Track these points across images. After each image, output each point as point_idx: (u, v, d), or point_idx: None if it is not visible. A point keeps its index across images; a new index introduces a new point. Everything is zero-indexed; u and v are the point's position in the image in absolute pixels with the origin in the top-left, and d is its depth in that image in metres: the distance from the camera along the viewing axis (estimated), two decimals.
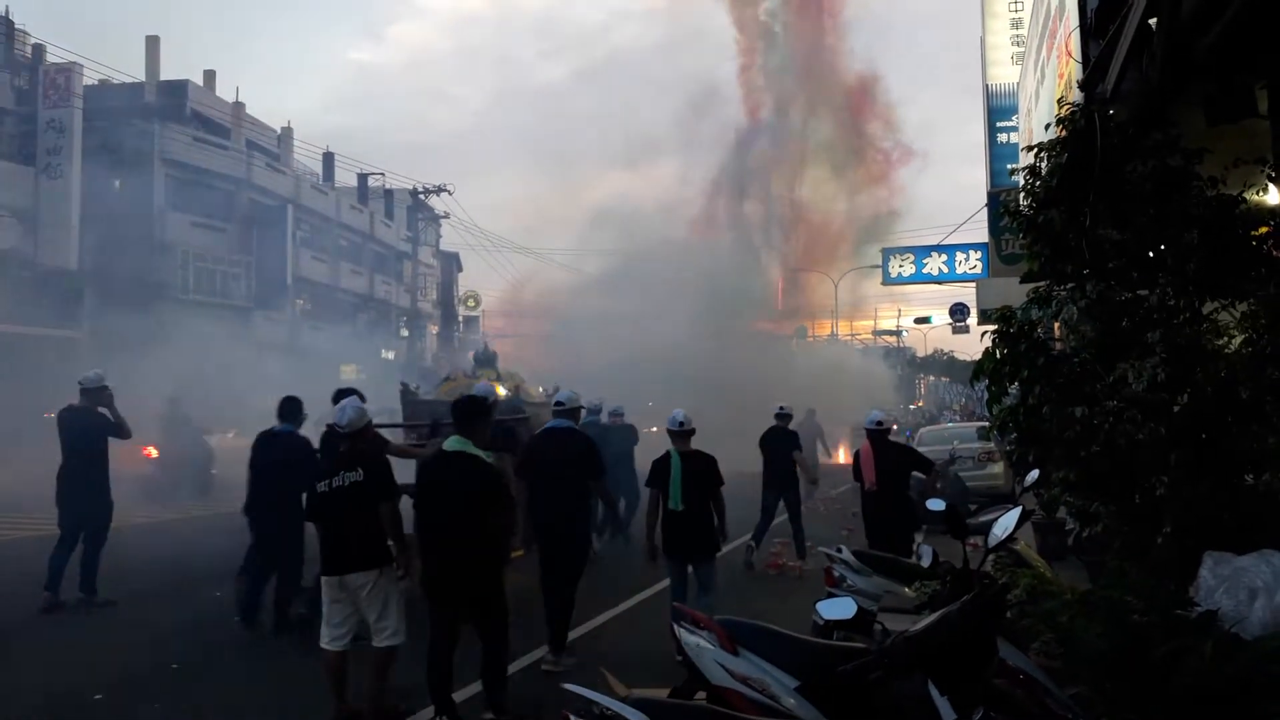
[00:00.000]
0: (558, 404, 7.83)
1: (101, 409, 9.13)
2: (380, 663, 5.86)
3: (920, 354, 66.89)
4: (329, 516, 5.96)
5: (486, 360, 12.73)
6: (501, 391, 11.07)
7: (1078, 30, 8.39)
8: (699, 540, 7.33)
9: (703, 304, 31.32)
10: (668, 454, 7.50)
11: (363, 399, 6.57)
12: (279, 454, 8.20)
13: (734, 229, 35.90)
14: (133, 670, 7.03)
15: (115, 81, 34.77)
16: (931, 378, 70.87)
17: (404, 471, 6.90)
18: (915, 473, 8.88)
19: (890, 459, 8.72)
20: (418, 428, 10.15)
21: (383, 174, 46.25)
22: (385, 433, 9.14)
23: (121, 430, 9.23)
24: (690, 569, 7.40)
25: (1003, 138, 21.59)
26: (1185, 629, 4.35)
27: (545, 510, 7.23)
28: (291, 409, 8.51)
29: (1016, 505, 4.21)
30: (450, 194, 43.83)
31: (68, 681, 6.63)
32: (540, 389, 12.98)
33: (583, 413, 9.03)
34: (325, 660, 5.90)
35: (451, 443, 5.98)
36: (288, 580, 8.21)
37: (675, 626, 4.36)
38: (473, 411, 6.10)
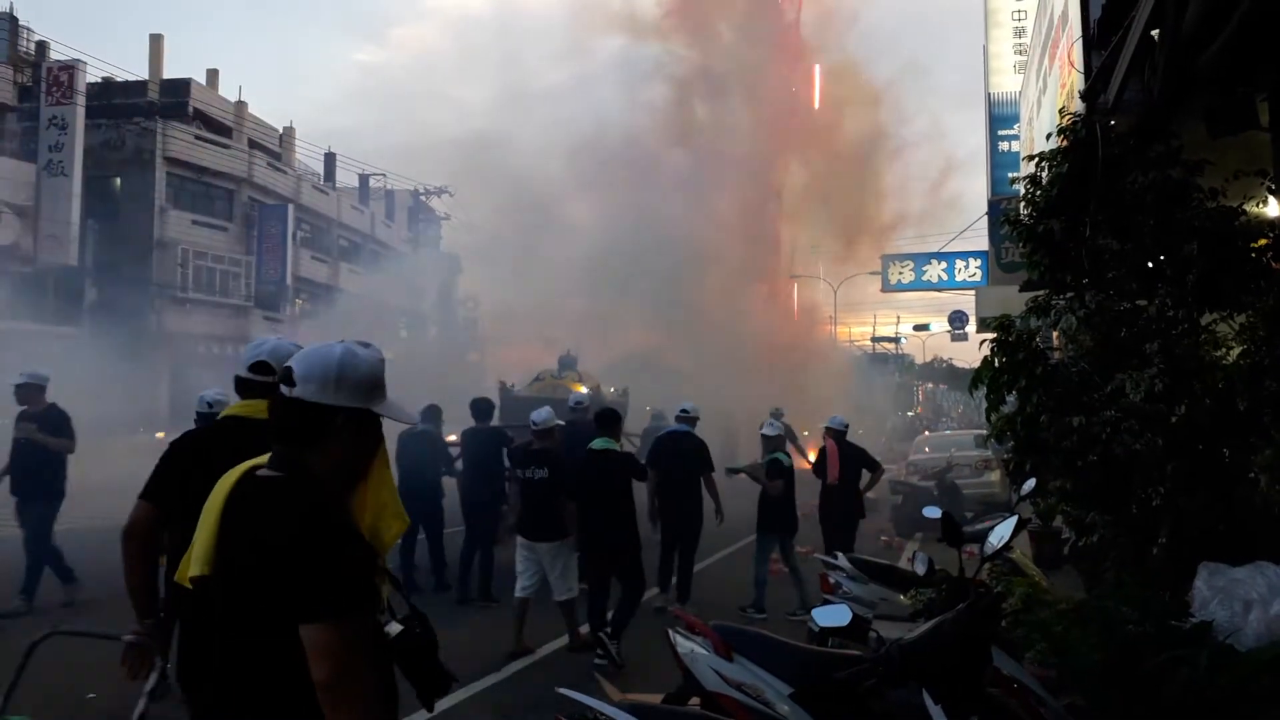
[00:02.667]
0: (683, 411, 10.24)
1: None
2: (567, 610, 7.70)
3: (919, 361, 66.94)
4: (524, 498, 7.95)
5: (569, 364, 14.24)
6: (583, 390, 12.15)
7: (1080, 40, 8.41)
8: (789, 520, 9.52)
9: (702, 309, 31.28)
10: (776, 457, 9.62)
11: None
12: (424, 450, 10.11)
13: (738, 235, 35.81)
14: None
15: (118, 79, 34.83)
16: (930, 385, 70.93)
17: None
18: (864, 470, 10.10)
19: (849, 458, 9.77)
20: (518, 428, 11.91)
21: (384, 175, 46.27)
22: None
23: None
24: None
25: (1004, 146, 21.63)
26: (1179, 640, 4.36)
27: (668, 494, 9.34)
28: (432, 413, 10.65)
29: (1013, 514, 4.21)
30: (451, 195, 43.80)
31: None
32: (612, 389, 14.67)
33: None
34: (516, 604, 7.73)
35: (598, 443, 7.84)
36: (439, 551, 10.26)
37: (670, 632, 4.36)
38: (611, 419, 8.05)
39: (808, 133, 39.80)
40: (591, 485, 7.67)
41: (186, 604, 2.29)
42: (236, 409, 3.36)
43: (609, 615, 7.55)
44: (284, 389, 2.16)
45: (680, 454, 9.50)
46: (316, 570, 1.98)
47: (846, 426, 10.19)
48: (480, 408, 10.28)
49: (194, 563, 2.17)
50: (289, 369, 2.17)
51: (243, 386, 3.39)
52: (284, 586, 1.98)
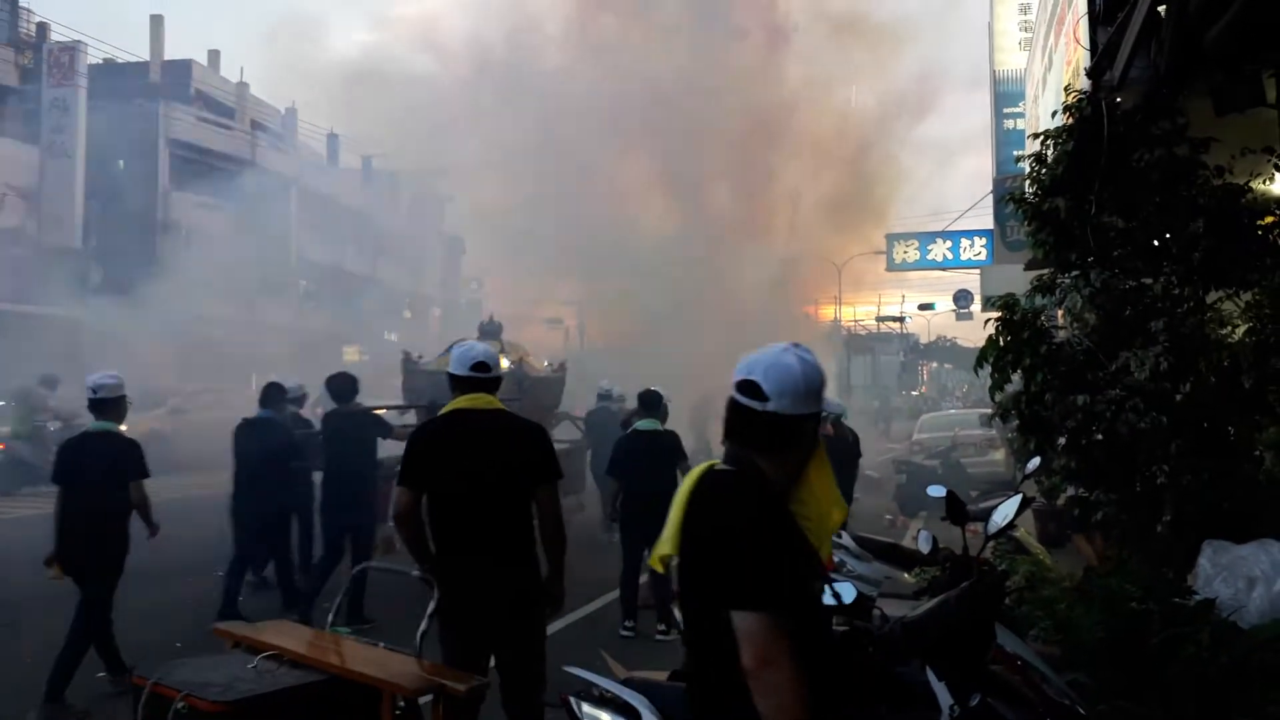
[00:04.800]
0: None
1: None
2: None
3: (923, 340, 66.82)
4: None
5: (491, 331, 12.61)
6: (505, 364, 10.82)
7: (1086, 17, 8.36)
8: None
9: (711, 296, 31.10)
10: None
11: None
12: (259, 442, 8.19)
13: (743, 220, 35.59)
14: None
15: (119, 60, 34.73)
16: (934, 364, 70.84)
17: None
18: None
19: (843, 440, 9.95)
20: (416, 408, 10.33)
21: (387, 156, 45.99)
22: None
23: None
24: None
25: (1009, 124, 21.54)
26: (1183, 617, 4.38)
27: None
28: (272, 395, 8.59)
29: (1017, 492, 4.22)
30: (454, 176, 43.59)
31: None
32: (545, 363, 13.27)
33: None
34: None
35: (643, 424, 8.16)
36: (286, 565, 8.42)
37: (675, 609, 4.38)
38: (654, 401, 8.27)
39: (805, 110, 39.50)
40: (638, 464, 7.87)
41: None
42: (460, 402, 4.14)
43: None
44: (753, 403, 2.30)
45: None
46: (751, 560, 2.14)
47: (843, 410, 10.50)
48: (338, 386, 8.24)
49: (663, 543, 2.39)
50: (754, 384, 2.29)
51: (461, 383, 4.17)
52: (722, 571, 2.16)
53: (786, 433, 2.30)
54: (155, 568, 8.00)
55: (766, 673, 2.07)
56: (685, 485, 2.40)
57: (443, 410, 4.29)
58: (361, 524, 7.91)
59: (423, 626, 3.79)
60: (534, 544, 4.16)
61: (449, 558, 4.05)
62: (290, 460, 8.34)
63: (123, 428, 6.29)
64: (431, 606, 3.84)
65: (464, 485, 4.06)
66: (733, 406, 2.35)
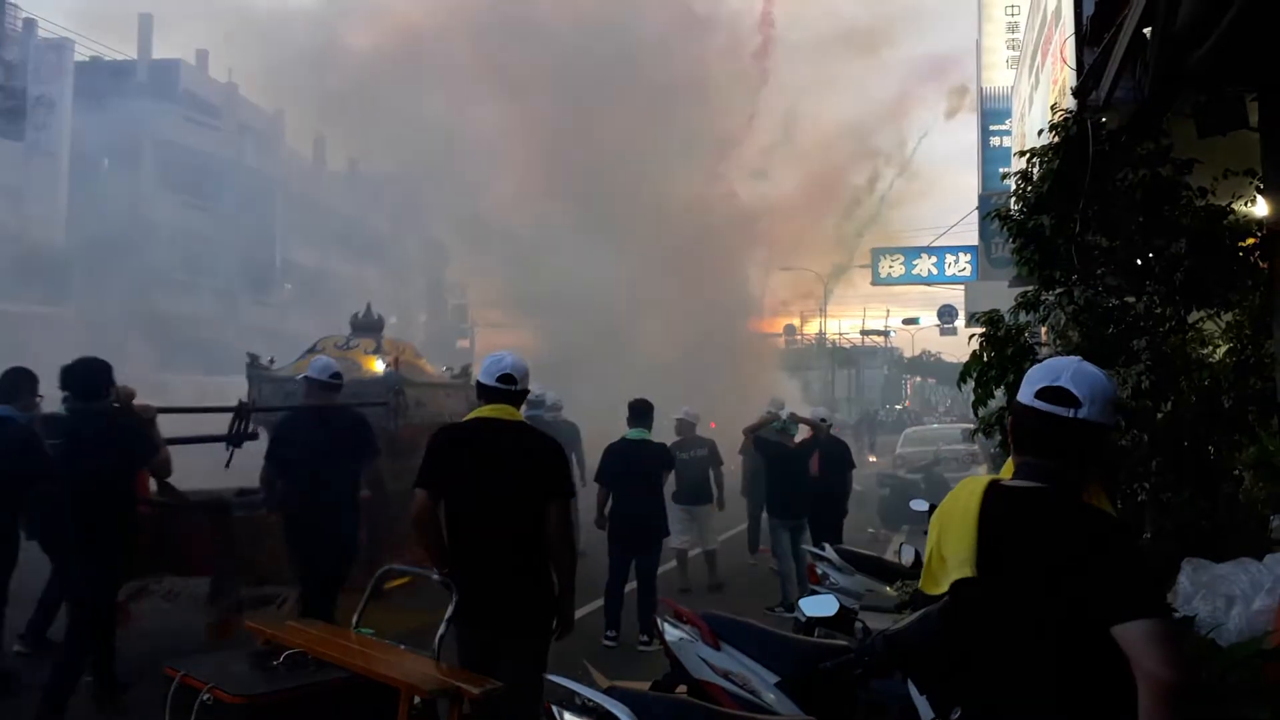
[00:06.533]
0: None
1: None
2: (710, 558, 10.18)
3: (907, 355, 67.11)
4: (686, 474, 9.94)
5: (366, 327, 10.20)
6: (378, 367, 9.39)
7: (1073, 37, 8.43)
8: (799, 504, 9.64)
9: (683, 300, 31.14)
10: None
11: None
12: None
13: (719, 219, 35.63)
14: None
15: (106, 59, 34.57)
16: (918, 378, 71.15)
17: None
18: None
19: (832, 452, 9.85)
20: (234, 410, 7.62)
21: (371, 158, 45.86)
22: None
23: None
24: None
25: (995, 141, 21.68)
26: None
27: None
28: (15, 385, 6.31)
29: None
30: (438, 181, 43.56)
31: None
32: (446, 368, 10.96)
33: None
34: (677, 554, 10.00)
35: (633, 433, 8.34)
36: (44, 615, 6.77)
37: (659, 620, 4.39)
38: (644, 410, 8.41)
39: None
40: (627, 472, 8.20)
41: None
42: (484, 411, 4.23)
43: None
44: (1062, 410, 2.22)
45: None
46: (1139, 572, 2.13)
47: (825, 420, 10.41)
48: (78, 376, 5.77)
49: (954, 568, 2.29)
50: (1063, 390, 2.22)
51: (486, 392, 4.25)
52: (1107, 587, 2.09)
53: (1097, 441, 2.25)
54: None
55: (1184, 677, 2.02)
56: (970, 504, 2.29)
57: (467, 417, 4.38)
58: (100, 573, 5.56)
59: (441, 630, 3.86)
60: (545, 559, 4.19)
61: (461, 564, 4.13)
62: (32, 474, 5.86)
63: None
64: (450, 610, 3.91)
65: (477, 493, 4.11)
66: (1034, 416, 2.26)
